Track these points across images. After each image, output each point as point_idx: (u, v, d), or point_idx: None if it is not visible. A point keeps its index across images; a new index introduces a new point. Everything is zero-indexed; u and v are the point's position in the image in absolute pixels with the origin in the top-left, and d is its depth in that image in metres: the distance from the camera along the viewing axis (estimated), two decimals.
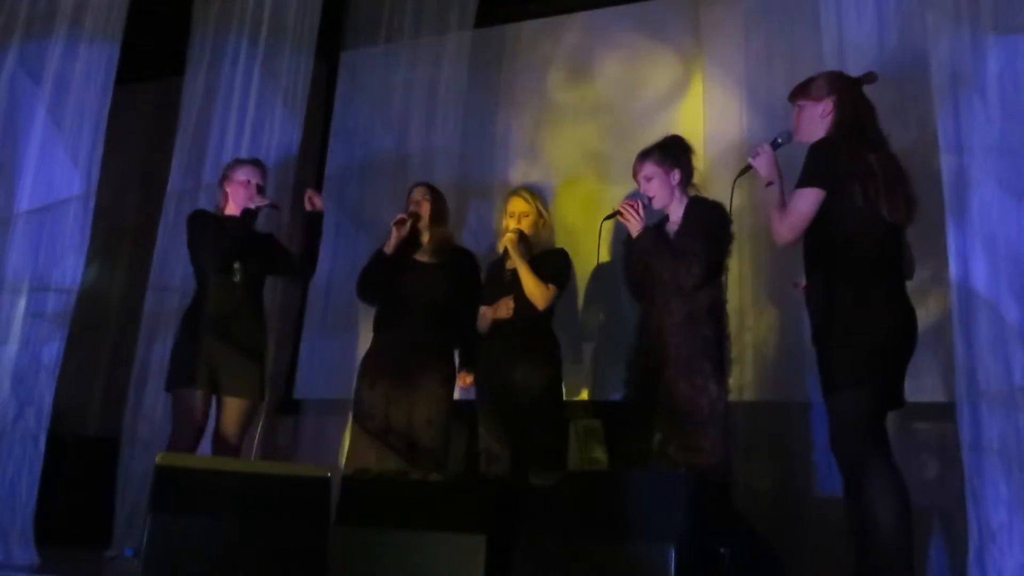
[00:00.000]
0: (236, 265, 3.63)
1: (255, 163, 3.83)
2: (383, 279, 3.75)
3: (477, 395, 3.66)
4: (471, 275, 3.87)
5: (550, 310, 3.63)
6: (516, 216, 3.72)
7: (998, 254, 2.84)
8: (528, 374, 3.52)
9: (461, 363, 3.78)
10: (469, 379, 3.75)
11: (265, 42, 4.52)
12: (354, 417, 3.68)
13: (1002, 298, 2.81)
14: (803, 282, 2.96)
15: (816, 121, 2.89)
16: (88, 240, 3.87)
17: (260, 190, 3.73)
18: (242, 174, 3.73)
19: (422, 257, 3.81)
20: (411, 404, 3.59)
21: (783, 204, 2.85)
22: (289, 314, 4.79)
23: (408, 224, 3.76)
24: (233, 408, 3.57)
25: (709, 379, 3.00)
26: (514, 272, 3.63)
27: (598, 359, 4.14)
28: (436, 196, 3.90)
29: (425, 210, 3.83)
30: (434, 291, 3.72)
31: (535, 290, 3.57)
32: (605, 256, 3.76)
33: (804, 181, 2.77)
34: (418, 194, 3.88)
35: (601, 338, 4.17)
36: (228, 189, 3.74)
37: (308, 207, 3.81)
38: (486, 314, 3.67)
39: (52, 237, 3.85)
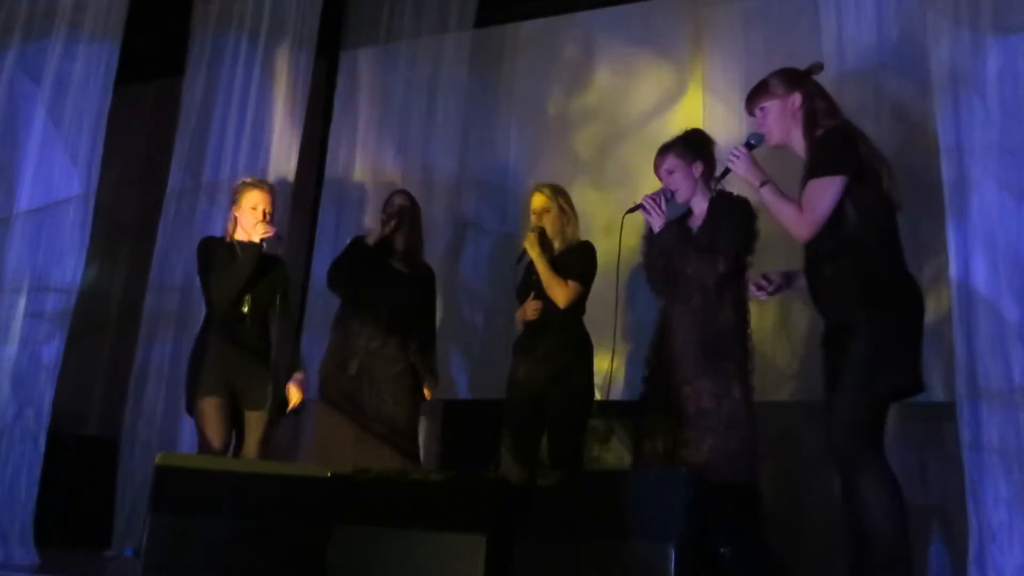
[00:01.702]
0: (246, 296, 3.62)
1: (262, 186, 3.77)
2: (357, 271, 3.74)
3: (507, 395, 3.60)
4: (433, 291, 3.92)
5: (577, 308, 3.54)
6: (537, 213, 3.64)
7: (998, 254, 2.84)
8: (563, 375, 3.47)
9: (424, 379, 3.79)
10: (429, 393, 3.81)
11: (265, 42, 4.52)
12: (322, 415, 3.71)
13: (1002, 297, 2.81)
14: (767, 283, 2.91)
15: (787, 118, 2.81)
16: (88, 240, 3.86)
17: (266, 216, 3.67)
18: (249, 200, 3.68)
19: (397, 264, 3.81)
20: (381, 407, 3.61)
21: (790, 200, 2.73)
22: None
23: (393, 224, 3.77)
24: (257, 422, 3.55)
25: (730, 377, 2.93)
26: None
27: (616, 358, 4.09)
28: (415, 206, 3.90)
29: (408, 216, 3.83)
30: (404, 299, 3.75)
31: (555, 288, 3.49)
32: (626, 250, 3.68)
33: (823, 170, 2.65)
34: (400, 199, 3.87)
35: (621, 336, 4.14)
36: (237, 214, 3.70)
37: None
38: (519, 315, 3.63)
39: (52, 237, 3.84)
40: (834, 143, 2.69)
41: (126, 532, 4.02)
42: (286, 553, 2.79)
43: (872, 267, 2.63)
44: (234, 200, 3.74)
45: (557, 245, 3.62)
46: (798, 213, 2.68)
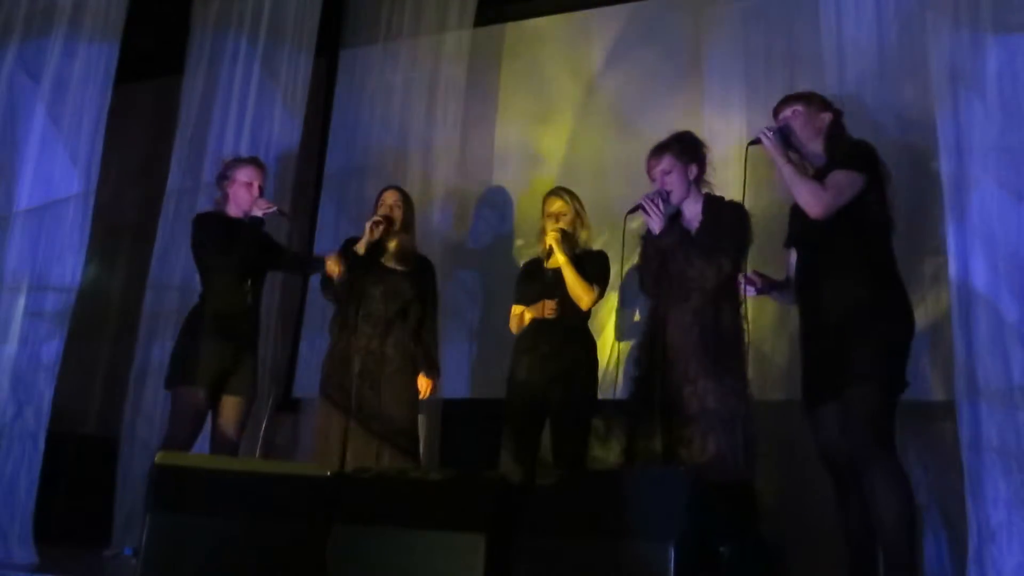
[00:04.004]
0: (248, 279, 3.63)
1: (255, 163, 3.79)
2: (350, 279, 3.73)
3: (507, 394, 3.60)
4: (432, 284, 3.89)
5: (587, 311, 3.59)
6: (555, 216, 3.63)
7: (998, 253, 2.85)
8: (567, 375, 3.48)
9: (423, 371, 3.76)
10: (428, 387, 3.75)
11: (264, 42, 4.53)
12: (322, 412, 3.69)
13: (1001, 297, 2.81)
14: (757, 282, 3.06)
15: (813, 127, 3.00)
16: (87, 239, 3.86)
17: (261, 192, 3.70)
18: (244, 175, 3.70)
19: (389, 263, 3.79)
20: (381, 406, 3.60)
21: (812, 177, 2.91)
22: (289, 313, 4.79)
23: (382, 228, 3.76)
24: (233, 407, 3.57)
25: (732, 376, 2.98)
26: (556, 272, 3.57)
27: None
28: (408, 202, 3.89)
29: (397, 215, 3.81)
30: (400, 297, 3.72)
31: (580, 291, 3.52)
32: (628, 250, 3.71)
33: (853, 165, 2.85)
34: (391, 198, 3.85)
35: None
36: (229, 190, 3.70)
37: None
38: (524, 314, 3.62)
39: (51, 236, 3.84)
40: (867, 149, 2.91)
41: (125, 531, 4.02)
42: (286, 553, 2.78)
43: (873, 274, 2.82)
44: (224, 176, 3.73)
45: (575, 249, 3.62)
46: (819, 190, 2.86)
